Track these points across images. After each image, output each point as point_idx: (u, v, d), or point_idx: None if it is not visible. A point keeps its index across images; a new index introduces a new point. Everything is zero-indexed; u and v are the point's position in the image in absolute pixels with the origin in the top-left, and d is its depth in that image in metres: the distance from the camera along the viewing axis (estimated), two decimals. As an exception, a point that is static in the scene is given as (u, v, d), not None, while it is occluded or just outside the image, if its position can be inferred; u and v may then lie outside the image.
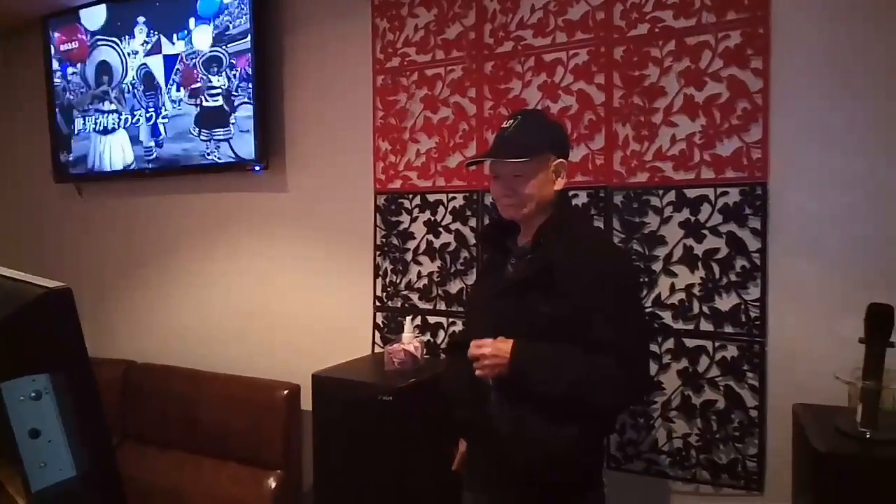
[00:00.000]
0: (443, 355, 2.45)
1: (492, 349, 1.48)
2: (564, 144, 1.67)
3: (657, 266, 2.08)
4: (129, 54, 3.11)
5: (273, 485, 2.57)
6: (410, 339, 2.26)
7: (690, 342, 2.04)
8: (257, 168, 2.78)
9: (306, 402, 2.45)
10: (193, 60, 2.89)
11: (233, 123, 2.79)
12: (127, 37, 3.10)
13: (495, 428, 1.53)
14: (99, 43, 3.21)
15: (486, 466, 1.63)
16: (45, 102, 3.44)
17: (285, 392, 2.63)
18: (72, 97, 3.34)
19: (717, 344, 2.00)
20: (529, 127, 1.58)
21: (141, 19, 3.04)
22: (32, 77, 3.51)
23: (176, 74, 2.95)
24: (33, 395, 0.82)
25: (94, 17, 3.22)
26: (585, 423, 1.50)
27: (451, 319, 2.44)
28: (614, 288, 1.47)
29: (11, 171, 3.76)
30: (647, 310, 2.06)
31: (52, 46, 3.37)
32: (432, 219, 2.48)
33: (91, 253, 3.50)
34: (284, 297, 2.87)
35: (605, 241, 1.79)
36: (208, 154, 2.87)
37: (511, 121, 1.60)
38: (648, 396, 1.64)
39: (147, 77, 3.05)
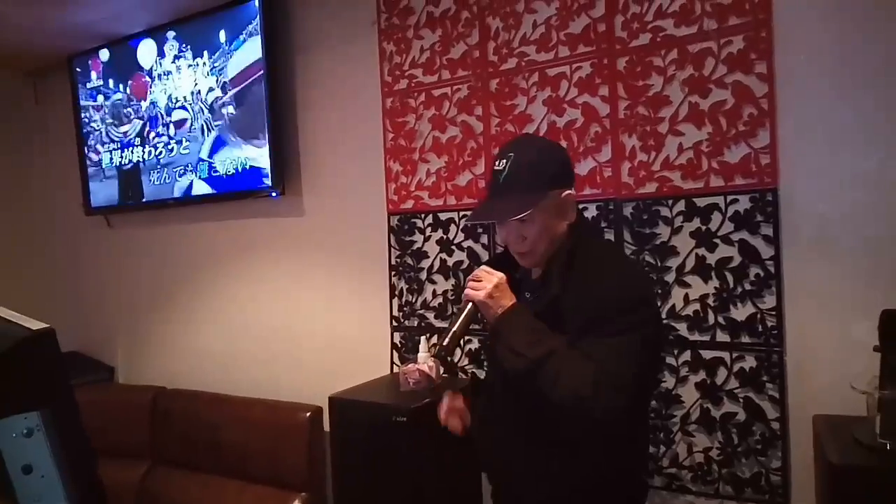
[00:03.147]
0: (461, 374, 2.46)
1: (492, 289, 1.37)
2: (566, 173, 1.45)
3: (670, 277, 2.05)
4: (159, 76, 3.20)
5: (298, 507, 2.59)
6: (425, 359, 2.27)
7: (707, 354, 2.00)
8: (274, 194, 2.83)
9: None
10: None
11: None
12: (158, 58, 3.20)
13: (514, 464, 1.46)
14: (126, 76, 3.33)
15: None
16: (74, 138, 3.57)
17: (307, 414, 2.66)
18: (99, 132, 3.46)
19: (734, 355, 1.96)
20: (524, 165, 1.37)
21: (171, 34, 3.13)
22: (62, 114, 3.66)
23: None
24: (25, 432, 0.84)
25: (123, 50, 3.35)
26: (606, 459, 1.38)
27: (466, 337, 2.44)
28: (608, 312, 1.30)
29: (44, 205, 3.90)
30: (662, 321, 2.03)
31: (78, 84, 3.51)
32: (445, 237, 2.49)
33: (121, 282, 3.61)
34: (304, 319, 2.91)
35: (610, 265, 1.45)
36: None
37: (503, 161, 1.39)
38: (620, 423, 1.30)
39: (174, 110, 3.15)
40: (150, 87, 3.23)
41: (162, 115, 3.19)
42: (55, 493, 0.86)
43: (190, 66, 3.04)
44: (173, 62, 3.12)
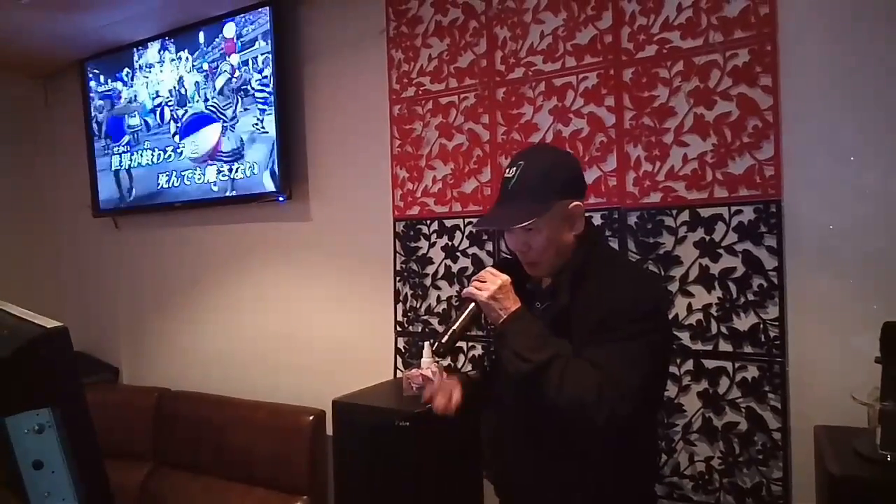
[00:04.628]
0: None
1: (496, 291, 1.36)
2: (576, 184, 1.42)
3: (673, 286, 2.06)
4: (142, 67, 3.25)
5: (299, 510, 2.60)
6: (429, 364, 2.28)
7: (710, 363, 2.01)
8: (281, 199, 2.86)
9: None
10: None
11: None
12: (166, 62, 3.23)
13: (524, 476, 1.46)
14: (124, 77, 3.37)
15: None
16: (83, 140, 3.61)
17: (311, 418, 2.67)
18: (108, 135, 3.50)
19: (736, 365, 1.97)
20: (533, 174, 1.36)
21: (180, 39, 3.16)
22: (72, 116, 3.69)
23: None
24: (37, 428, 0.86)
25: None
26: (616, 470, 1.37)
27: (470, 343, 2.46)
28: (616, 320, 1.28)
29: (53, 206, 3.93)
30: (672, 331, 2.02)
31: (89, 87, 3.55)
32: (450, 244, 2.51)
33: (127, 283, 3.63)
34: (309, 323, 2.93)
35: (622, 275, 1.43)
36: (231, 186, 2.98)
37: (513, 168, 1.38)
38: (624, 431, 1.29)
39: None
40: (150, 89, 3.26)
41: (171, 119, 3.22)
42: (65, 489, 0.88)
43: (201, 71, 3.07)
44: (179, 66, 3.15)
